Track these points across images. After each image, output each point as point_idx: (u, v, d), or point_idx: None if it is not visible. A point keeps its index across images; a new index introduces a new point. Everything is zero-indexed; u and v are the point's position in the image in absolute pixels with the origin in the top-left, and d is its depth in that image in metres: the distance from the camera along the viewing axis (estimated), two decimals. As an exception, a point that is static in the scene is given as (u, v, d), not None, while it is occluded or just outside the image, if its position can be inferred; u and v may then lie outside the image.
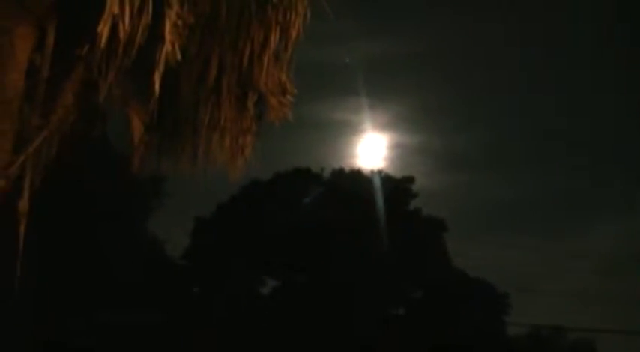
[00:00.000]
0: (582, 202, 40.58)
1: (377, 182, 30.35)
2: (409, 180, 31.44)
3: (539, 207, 41.05)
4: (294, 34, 7.02)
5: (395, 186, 30.48)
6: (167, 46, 6.05)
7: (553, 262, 38.13)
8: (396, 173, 31.72)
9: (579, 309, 34.16)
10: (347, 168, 31.67)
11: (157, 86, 6.11)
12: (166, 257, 26.82)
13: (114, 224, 22.07)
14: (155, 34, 6.04)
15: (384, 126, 41.41)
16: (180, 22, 6.15)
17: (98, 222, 21.22)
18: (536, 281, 35.15)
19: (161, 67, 6.07)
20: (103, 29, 5.78)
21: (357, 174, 31.44)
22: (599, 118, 42.58)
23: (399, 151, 40.25)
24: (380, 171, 31.42)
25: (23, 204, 6.41)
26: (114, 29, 5.83)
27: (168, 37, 6.05)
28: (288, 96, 7.27)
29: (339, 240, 27.77)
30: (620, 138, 40.99)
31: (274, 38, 6.91)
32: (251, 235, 27.54)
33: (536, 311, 33.20)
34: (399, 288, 28.80)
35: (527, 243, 38.88)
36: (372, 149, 35.43)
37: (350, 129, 43.31)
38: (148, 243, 24.86)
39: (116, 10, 5.78)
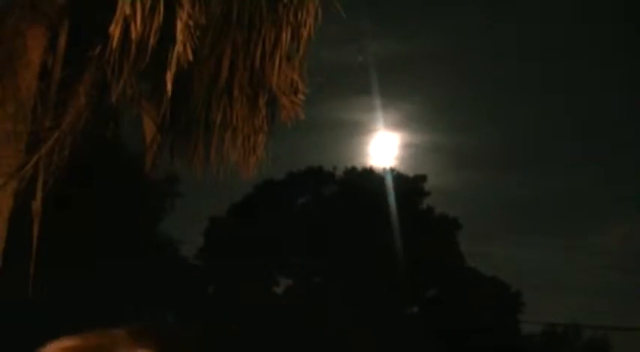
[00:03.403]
0: (598, 200, 40.33)
1: (389, 180, 30.35)
2: (421, 178, 31.41)
3: (554, 205, 40.85)
4: (305, 33, 7.01)
5: (407, 184, 30.47)
6: (179, 47, 6.05)
7: (568, 260, 38.01)
8: (408, 172, 31.73)
9: (596, 307, 34.07)
10: (359, 167, 31.68)
11: (169, 86, 6.11)
12: (180, 257, 26.87)
13: (127, 224, 22.13)
14: (167, 35, 6.05)
15: (395, 126, 41.37)
16: (191, 23, 6.15)
17: (111, 222, 21.28)
18: (551, 280, 35.05)
19: (173, 67, 6.07)
20: (115, 30, 5.79)
21: (369, 172, 31.44)
22: (613, 116, 42.40)
23: (411, 150, 40.22)
24: (392, 170, 31.43)
25: (36, 205, 6.44)
26: (126, 30, 5.85)
27: (179, 37, 6.05)
28: (300, 96, 7.26)
29: (353, 239, 27.77)
30: (635, 135, 40.80)
31: (286, 38, 6.91)
32: (265, 234, 27.58)
33: (553, 309, 33.10)
34: (413, 287, 28.79)
35: (542, 242, 38.75)
36: (383, 148, 35.35)
37: (362, 129, 43.34)
38: (162, 243, 24.91)
39: (128, 11, 5.80)
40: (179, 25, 6.05)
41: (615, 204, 40.34)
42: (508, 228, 38.96)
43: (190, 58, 6.14)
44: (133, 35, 5.85)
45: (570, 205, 40.23)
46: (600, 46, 40.95)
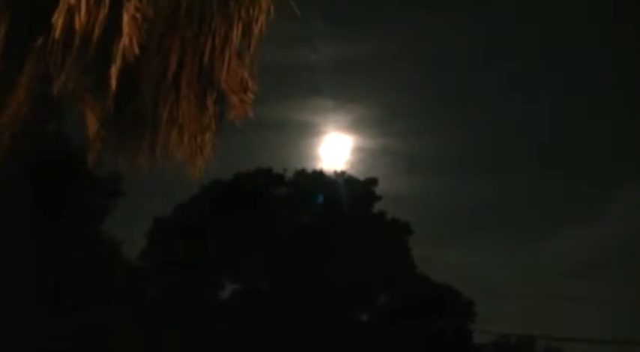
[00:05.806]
0: (551, 206, 40.66)
1: (340, 183, 30.28)
2: (372, 182, 31.31)
3: (507, 211, 41.07)
4: (257, 30, 6.86)
5: (358, 188, 30.42)
6: (125, 40, 5.91)
7: (521, 266, 38.24)
8: (359, 175, 31.62)
9: (548, 314, 34.23)
10: (309, 169, 31.55)
11: (113, 81, 5.98)
12: (122, 258, 26.48)
13: (68, 223, 21.77)
14: (113, 27, 5.90)
15: (346, 129, 41.30)
16: (139, 15, 5.99)
17: (51, 221, 20.90)
18: (504, 287, 35.17)
19: (118, 61, 5.93)
20: (58, 20, 5.64)
21: (320, 175, 31.34)
22: (565, 122, 43.00)
23: (362, 154, 40.03)
24: (343, 173, 31.35)
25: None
26: (70, 21, 5.69)
27: (126, 29, 5.91)
28: (250, 95, 7.12)
29: (301, 243, 27.68)
30: (587, 143, 41.34)
31: (236, 34, 6.76)
32: (210, 236, 27.34)
33: (504, 316, 33.10)
34: (363, 293, 28.72)
35: (495, 248, 38.85)
36: (334, 151, 35.35)
37: (312, 130, 43.03)
38: (103, 244, 24.55)
39: (72, 0, 5.64)
40: (125, 17, 5.92)
41: (569, 212, 40.79)
42: (461, 234, 39.10)
43: (137, 51, 6.01)
44: (77, 26, 5.70)
45: (525, 211, 40.56)
46: (559, 46, 41.42)
